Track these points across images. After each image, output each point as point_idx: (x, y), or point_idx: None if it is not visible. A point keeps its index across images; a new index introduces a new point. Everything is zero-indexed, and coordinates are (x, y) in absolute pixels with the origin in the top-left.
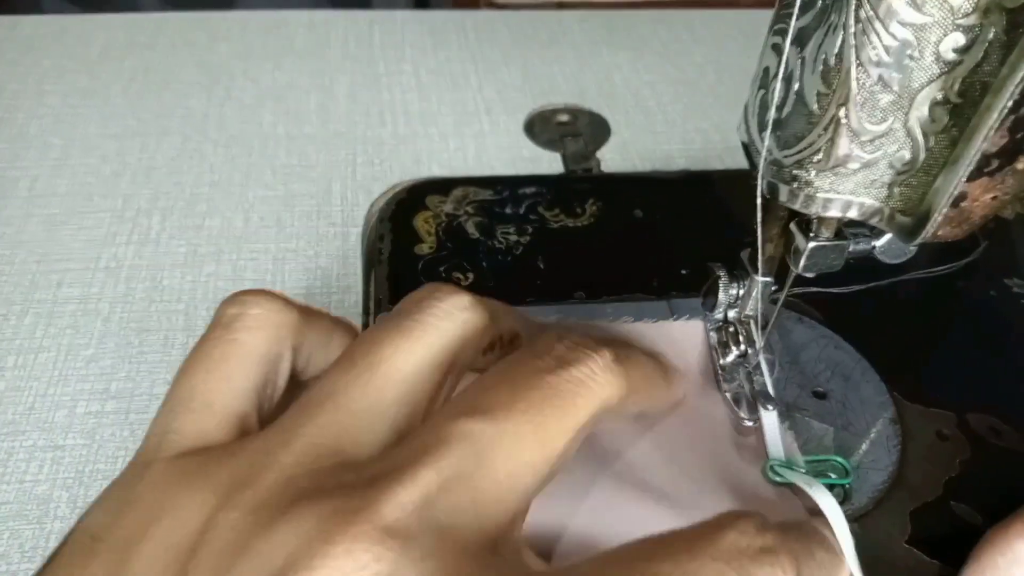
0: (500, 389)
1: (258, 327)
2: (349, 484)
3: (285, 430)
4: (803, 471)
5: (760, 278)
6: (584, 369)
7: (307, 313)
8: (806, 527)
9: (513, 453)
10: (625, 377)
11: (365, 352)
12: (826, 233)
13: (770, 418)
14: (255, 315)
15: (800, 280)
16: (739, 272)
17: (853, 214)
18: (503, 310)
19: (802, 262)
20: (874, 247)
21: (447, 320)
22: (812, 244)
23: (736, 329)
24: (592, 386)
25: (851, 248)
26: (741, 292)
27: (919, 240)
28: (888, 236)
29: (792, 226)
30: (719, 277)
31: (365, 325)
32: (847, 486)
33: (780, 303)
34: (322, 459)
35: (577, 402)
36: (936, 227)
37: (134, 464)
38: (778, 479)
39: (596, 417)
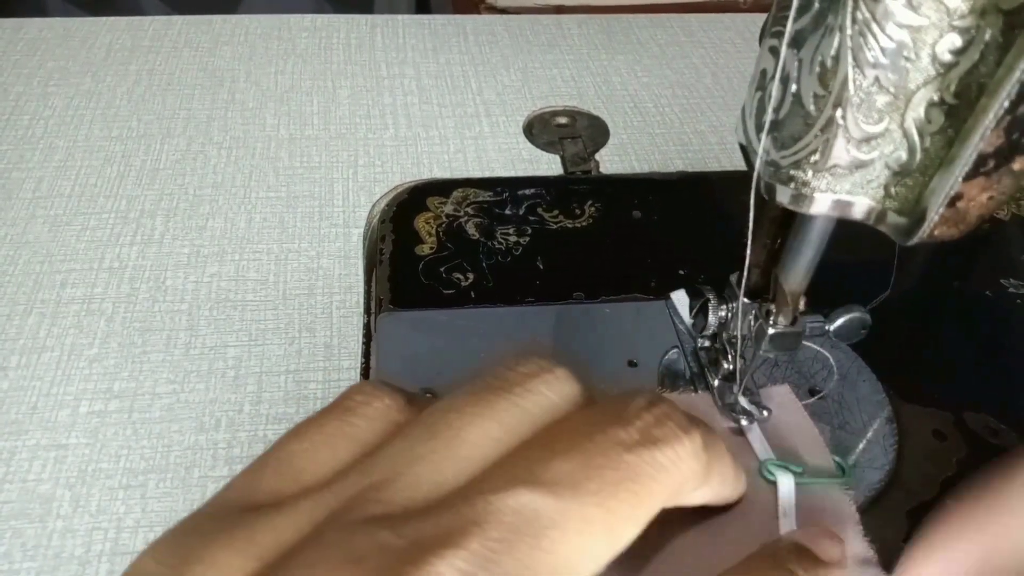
0: (571, 459)
1: (377, 418)
2: (383, 547)
3: (343, 495)
4: (799, 470)
5: (747, 301)
6: (670, 453)
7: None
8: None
9: (574, 537)
10: (708, 469)
11: (448, 425)
12: (784, 322)
13: (757, 425)
14: (377, 407)
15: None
16: (728, 294)
17: (849, 214)
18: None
19: (764, 346)
20: (828, 331)
21: (545, 412)
22: (771, 331)
23: (726, 348)
24: (674, 473)
25: (807, 333)
26: (730, 314)
27: (915, 240)
28: (842, 320)
29: (756, 311)
30: (708, 300)
31: (367, 325)
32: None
33: (751, 367)
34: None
35: (654, 489)
36: (932, 227)
37: (199, 510)
38: (772, 478)
39: (668, 501)
